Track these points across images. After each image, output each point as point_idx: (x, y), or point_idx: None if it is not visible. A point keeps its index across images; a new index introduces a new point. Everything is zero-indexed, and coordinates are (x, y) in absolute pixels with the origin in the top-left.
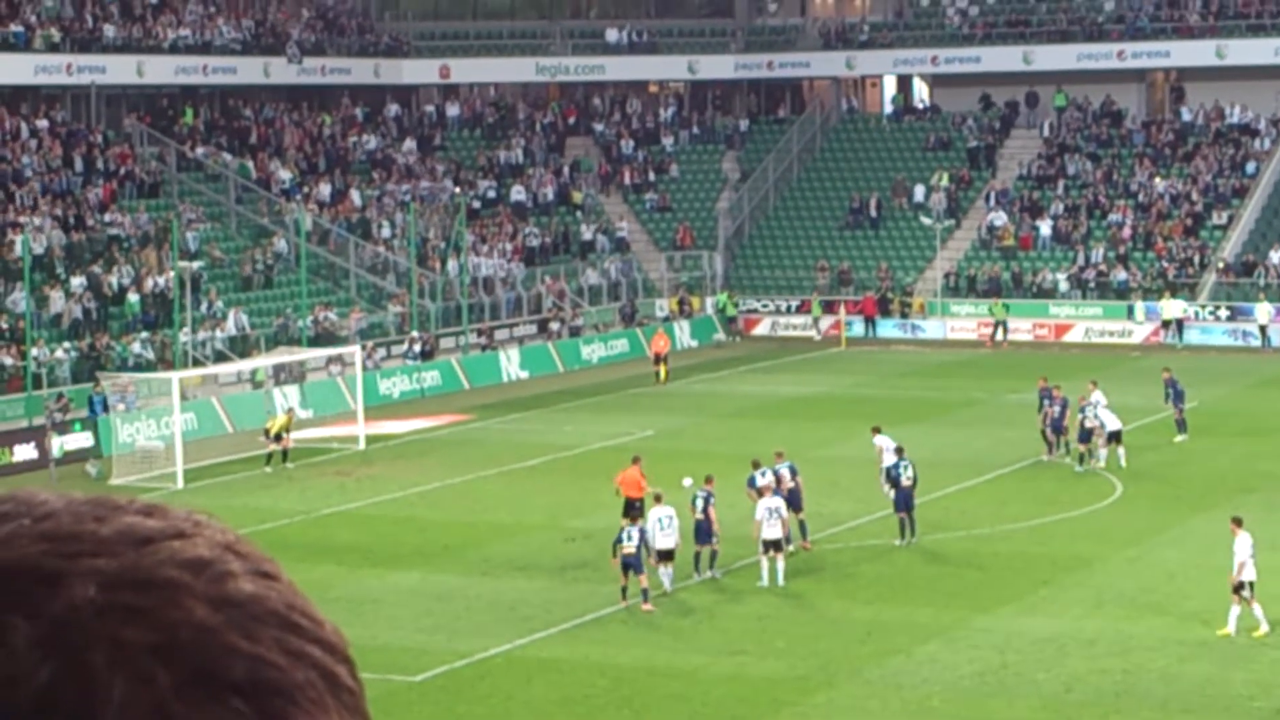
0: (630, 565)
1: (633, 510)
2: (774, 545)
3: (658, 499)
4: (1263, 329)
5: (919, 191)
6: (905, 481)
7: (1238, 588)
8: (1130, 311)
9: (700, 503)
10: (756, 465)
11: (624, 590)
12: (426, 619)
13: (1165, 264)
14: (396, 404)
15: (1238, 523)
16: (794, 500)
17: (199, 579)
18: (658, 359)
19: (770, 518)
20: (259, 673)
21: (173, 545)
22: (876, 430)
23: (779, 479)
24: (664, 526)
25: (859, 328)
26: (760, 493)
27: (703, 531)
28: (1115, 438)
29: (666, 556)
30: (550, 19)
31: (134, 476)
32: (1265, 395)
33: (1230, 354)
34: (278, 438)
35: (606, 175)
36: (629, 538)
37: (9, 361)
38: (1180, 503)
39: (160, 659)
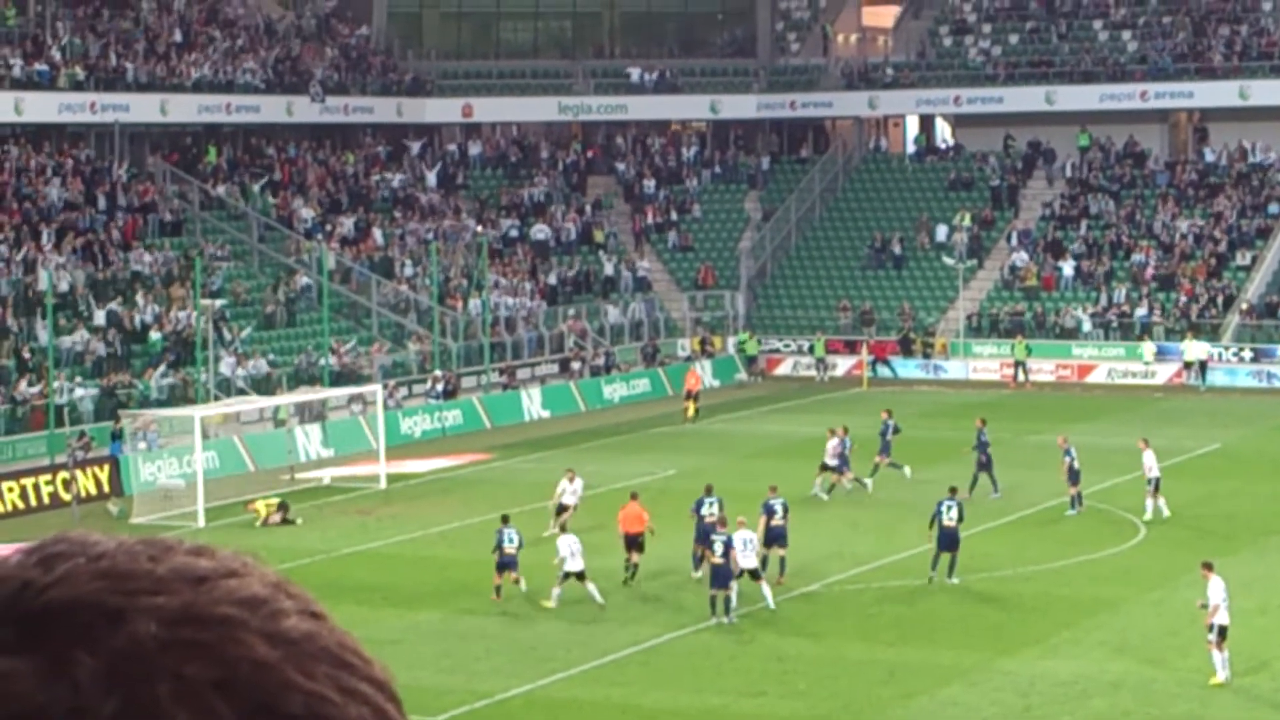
0: (506, 565)
1: (632, 545)
2: (752, 574)
3: (740, 523)
4: None
5: (941, 231)
6: (948, 521)
7: (1216, 631)
8: (1141, 351)
9: (721, 547)
10: (709, 491)
11: (497, 589)
12: (446, 659)
13: (1189, 304)
14: (418, 443)
15: (1209, 567)
16: (779, 536)
17: (255, 616)
18: (689, 395)
19: (745, 549)
20: (316, 708)
21: (229, 584)
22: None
23: (770, 514)
24: (746, 547)
25: (887, 370)
26: (722, 522)
27: (721, 575)
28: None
29: (754, 575)
30: (573, 58)
31: (155, 515)
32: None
33: (1254, 395)
34: (282, 506)
35: (640, 233)
36: (509, 540)
37: (33, 392)
38: (1204, 545)
39: (222, 694)
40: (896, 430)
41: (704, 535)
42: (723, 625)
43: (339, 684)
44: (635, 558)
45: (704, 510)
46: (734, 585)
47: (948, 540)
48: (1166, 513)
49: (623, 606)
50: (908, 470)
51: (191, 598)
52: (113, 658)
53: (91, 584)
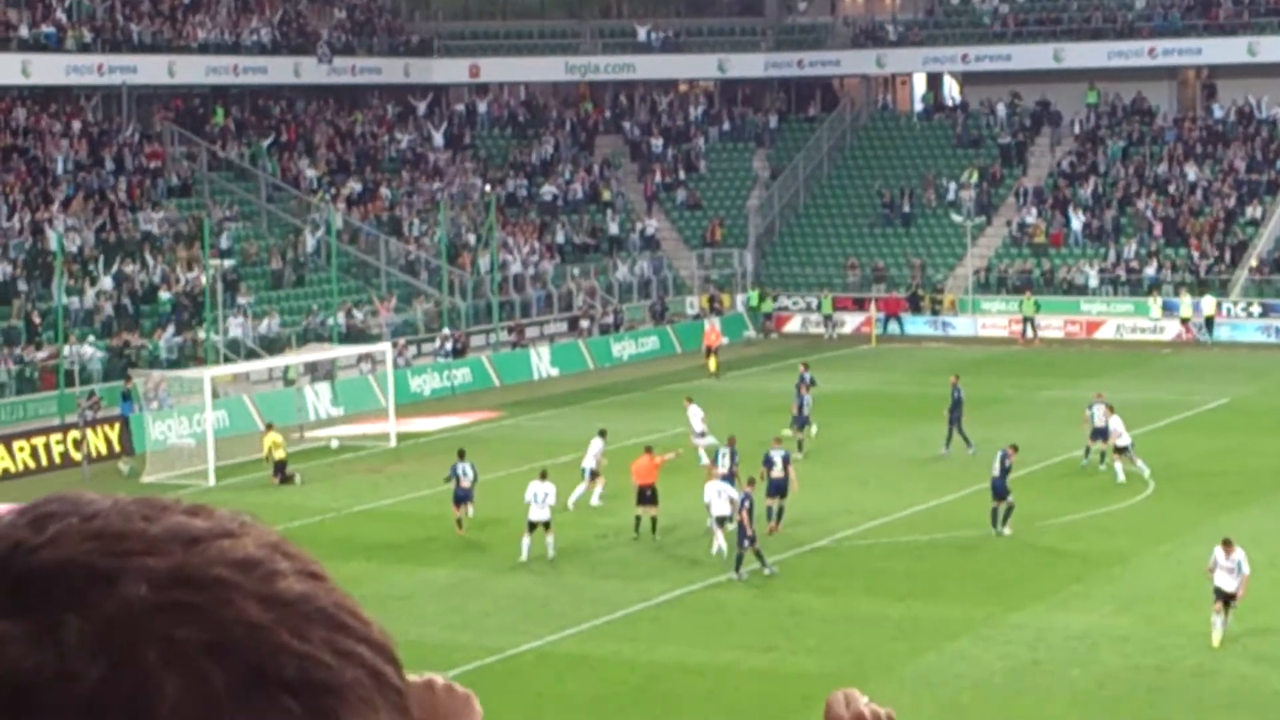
0: (462, 498)
1: (644, 498)
2: (719, 520)
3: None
4: None
5: (950, 189)
6: (995, 470)
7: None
8: (1149, 308)
9: (740, 504)
10: (731, 443)
11: (459, 522)
12: (456, 616)
13: (1197, 260)
14: (427, 401)
15: (1228, 545)
16: (779, 487)
17: (249, 577)
18: (709, 351)
19: (719, 497)
20: (310, 671)
21: (222, 544)
22: None
23: (769, 465)
24: (719, 496)
25: (892, 325)
26: (747, 481)
27: (742, 534)
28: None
29: (720, 521)
30: (580, 18)
31: (166, 474)
32: None
33: (1262, 351)
34: (280, 467)
35: (651, 196)
36: (464, 473)
37: (41, 355)
38: (1213, 499)
39: (213, 657)
40: (812, 383)
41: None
42: (733, 581)
43: (334, 646)
44: (653, 511)
45: (719, 462)
46: (746, 543)
47: (995, 490)
48: (1118, 477)
49: (633, 562)
50: (814, 429)
51: (183, 559)
52: (102, 621)
53: (82, 545)
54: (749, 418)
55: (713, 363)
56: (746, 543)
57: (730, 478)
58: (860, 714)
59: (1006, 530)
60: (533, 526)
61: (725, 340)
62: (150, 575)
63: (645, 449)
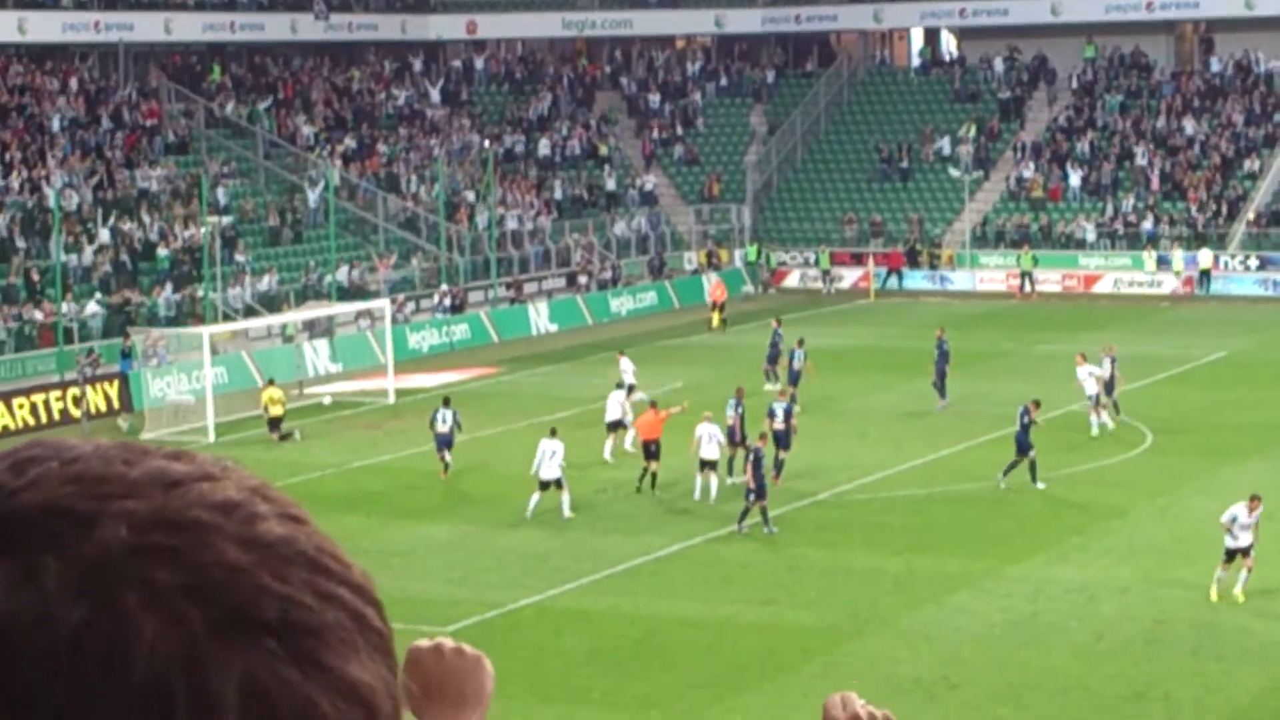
0: (443, 443)
1: (649, 452)
2: (710, 465)
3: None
4: None
5: (946, 143)
6: (1017, 426)
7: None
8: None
9: (751, 457)
10: (739, 395)
11: (445, 466)
12: (456, 571)
13: (1195, 214)
14: (426, 357)
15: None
16: (781, 439)
17: (229, 520)
18: (715, 306)
19: (709, 440)
20: (290, 613)
21: (201, 487)
22: None
23: (771, 416)
24: (710, 440)
25: (891, 280)
26: (761, 436)
27: (749, 488)
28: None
29: (710, 466)
30: None
31: (165, 430)
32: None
33: (1260, 304)
34: (275, 423)
35: (650, 156)
36: (443, 420)
37: (39, 316)
38: (1211, 452)
39: (192, 599)
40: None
41: (731, 438)
42: (735, 534)
43: (315, 588)
44: (654, 466)
45: (729, 413)
46: (752, 497)
47: (1018, 446)
48: (1111, 425)
49: (632, 516)
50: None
51: (163, 502)
52: (81, 564)
53: (62, 489)
54: (748, 372)
55: (715, 318)
56: (753, 497)
57: (738, 428)
58: (856, 715)
59: (1040, 485)
60: (544, 485)
61: (750, 289)
62: (130, 518)
63: (650, 403)
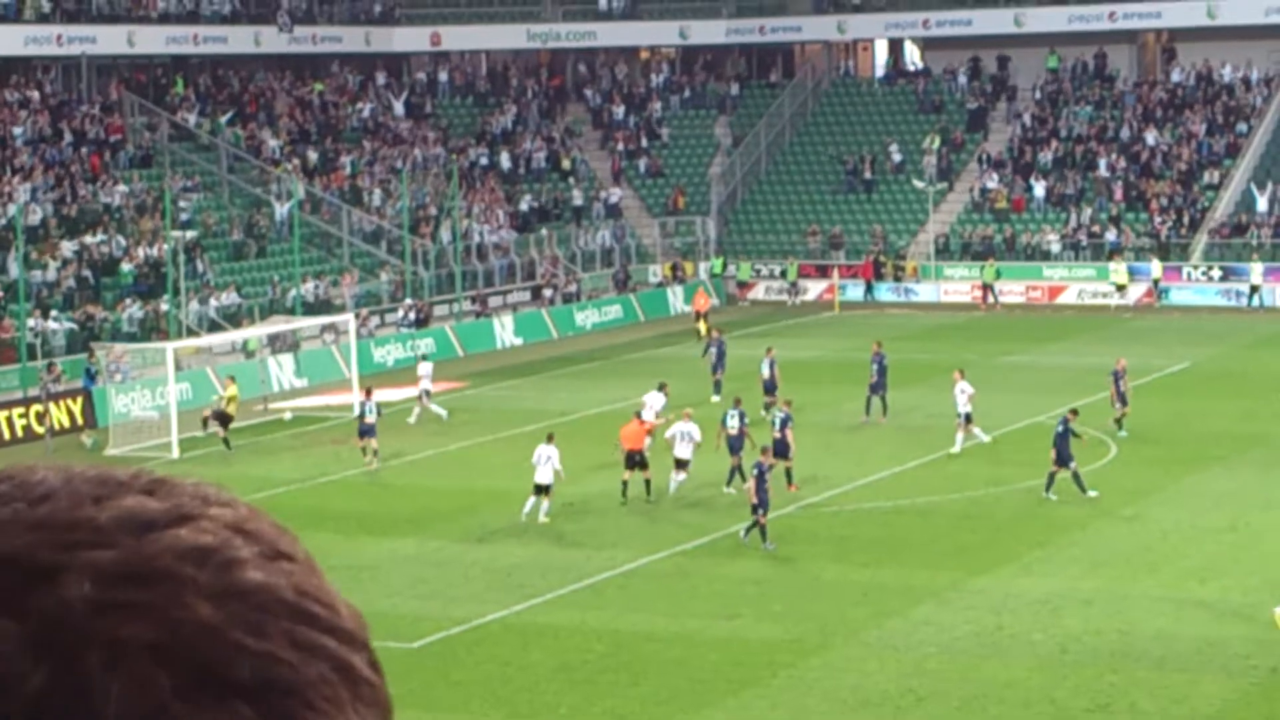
0: (365, 432)
1: (633, 462)
2: (682, 464)
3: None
4: (1254, 289)
5: (896, 155)
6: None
7: None
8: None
9: (755, 472)
10: (737, 403)
11: (363, 450)
12: (423, 586)
13: (1157, 224)
14: (391, 372)
15: None
16: (780, 449)
17: (202, 570)
18: (699, 316)
19: (682, 439)
20: (267, 672)
21: (175, 533)
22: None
23: (771, 426)
24: (683, 439)
25: (855, 292)
26: (764, 451)
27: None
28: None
29: (682, 465)
30: None
31: (129, 446)
32: (1258, 355)
33: (1223, 314)
34: (225, 419)
35: (618, 172)
36: (369, 411)
37: (2, 336)
38: (1175, 463)
39: (160, 660)
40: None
41: (734, 448)
42: (703, 547)
43: (296, 640)
44: (645, 474)
45: (729, 423)
46: (761, 512)
47: (1058, 456)
48: (985, 438)
49: (599, 531)
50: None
51: (133, 550)
52: (41, 623)
53: (25, 537)
54: (710, 385)
55: (703, 327)
56: (761, 512)
57: (740, 438)
58: None
59: (1092, 493)
60: (539, 489)
61: (688, 308)
62: (95, 570)
63: (635, 414)
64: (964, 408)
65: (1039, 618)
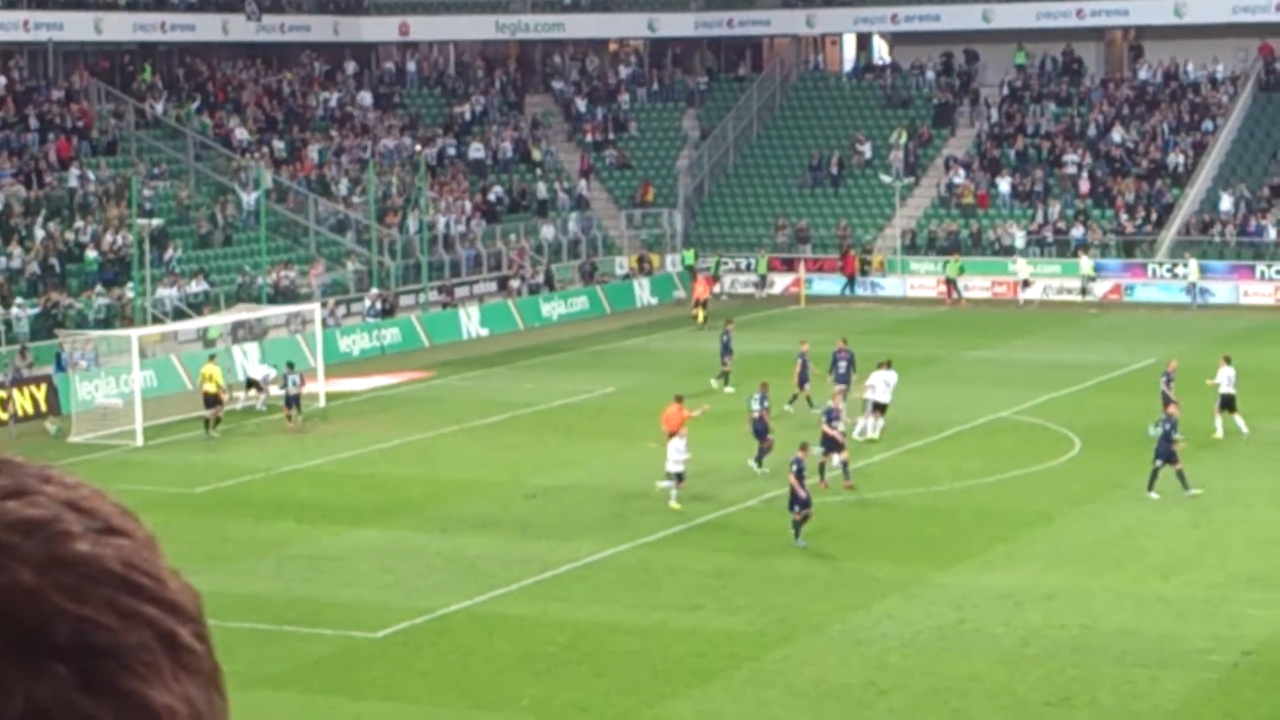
0: (291, 402)
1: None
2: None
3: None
4: (1192, 286)
5: (866, 149)
6: (1154, 432)
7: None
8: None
9: (795, 467)
10: (763, 388)
11: (289, 418)
12: (387, 576)
13: (1124, 221)
14: (356, 361)
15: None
16: (829, 443)
17: (30, 540)
18: (698, 303)
19: (675, 453)
20: (85, 635)
21: (8, 505)
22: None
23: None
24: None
25: (822, 286)
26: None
27: (793, 499)
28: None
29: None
30: None
31: (93, 434)
32: (1221, 353)
33: (1186, 311)
34: (214, 401)
35: (589, 170)
36: (293, 383)
37: None
38: (1138, 459)
39: None
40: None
41: (761, 432)
42: (665, 540)
43: (117, 607)
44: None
45: (753, 406)
46: (797, 508)
47: (1166, 457)
48: (875, 434)
49: (562, 523)
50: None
51: None
52: None
53: None
54: (680, 378)
55: (700, 314)
56: (798, 508)
57: (762, 423)
58: None
59: (1196, 490)
60: (675, 477)
61: (655, 301)
62: None
63: (675, 398)
64: (884, 397)
65: (1001, 612)
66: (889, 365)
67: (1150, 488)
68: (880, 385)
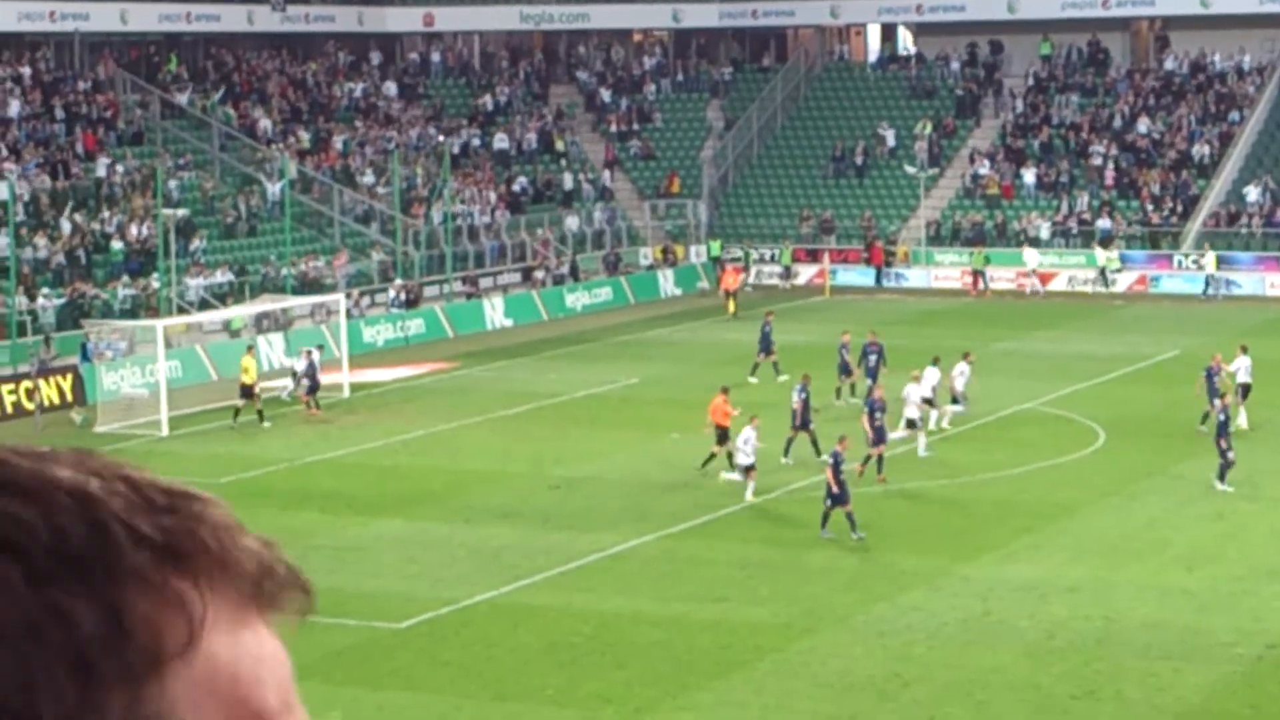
0: (314, 389)
1: (724, 437)
2: (746, 469)
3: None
4: (1209, 279)
5: (889, 139)
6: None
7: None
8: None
9: (830, 460)
10: (805, 380)
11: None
12: (411, 566)
13: (1149, 212)
14: (381, 352)
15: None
16: (877, 434)
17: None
18: (728, 294)
19: (744, 445)
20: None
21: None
22: None
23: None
24: (745, 445)
25: (846, 277)
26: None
27: (829, 492)
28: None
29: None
30: None
31: (118, 424)
32: (1248, 345)
33: (1211, 302)
34: (247, 391)
35: (613, 161)
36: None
37: None
38: (1162, 451)
39: None
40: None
41: (797, 422)
42: (691, 529)
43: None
44: (730, 448)
45: (794, 397)
46: (829, 501)
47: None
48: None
49: (586, 514)
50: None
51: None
52: None
53: None
54: (704, 369)
55: (731, 305)
56: (830, 501)
57: (802, 413)
58: None
59: (1227, 488)
60: (745, 470)
61: (679, 292)
62: None
63: (721, 389)
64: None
65: (1026, 604)
66: (968, 357)
67: (1221, 479)
68: (958, 376)
